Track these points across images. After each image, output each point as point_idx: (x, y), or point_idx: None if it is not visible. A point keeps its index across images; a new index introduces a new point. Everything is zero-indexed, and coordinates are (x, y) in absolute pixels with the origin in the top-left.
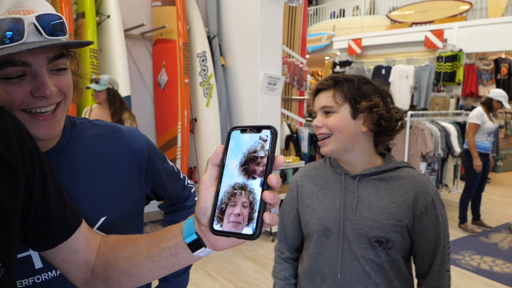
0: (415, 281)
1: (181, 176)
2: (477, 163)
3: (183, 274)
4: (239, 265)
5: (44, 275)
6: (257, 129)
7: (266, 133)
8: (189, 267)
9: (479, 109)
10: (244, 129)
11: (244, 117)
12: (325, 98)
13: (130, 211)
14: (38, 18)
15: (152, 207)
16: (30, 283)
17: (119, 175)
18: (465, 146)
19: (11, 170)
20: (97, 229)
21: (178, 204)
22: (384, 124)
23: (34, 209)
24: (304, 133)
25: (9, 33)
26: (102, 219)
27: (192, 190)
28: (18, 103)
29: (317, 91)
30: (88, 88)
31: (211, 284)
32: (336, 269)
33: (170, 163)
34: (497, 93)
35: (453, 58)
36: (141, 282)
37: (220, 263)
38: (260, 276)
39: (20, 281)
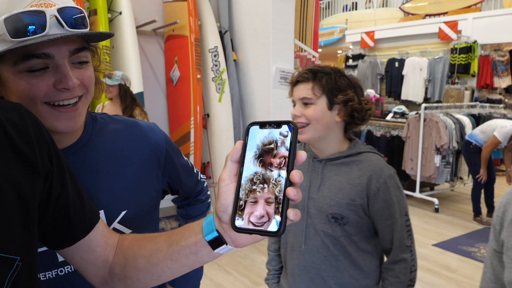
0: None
1: (195, 171)
2: (484, 173)
3: None
4: (254, 259)
5: (67, 268)
6: (277, 124)
7: (286, 129)
8: None
9: (511, 128)
10: (263, 124)
11: (256, 111)
12: (304, 90)
13: (149, 205)
14: (60, 11)
15: (166, 203)
16: (54, 276)
17: (138, 170)
18: (467, 137)
19: (31, 165)
20: (118, 223)
21: (192, 198)
22: (356, 115)
23: (53, 206)
24: None
25: (31, 26)
26: (123, 213)
27: (205, 185)
28: (41, 96)
29: (296, 82)
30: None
31: (225, 278)
32: (301, 240)
33: (185, 157)
34: None
35: (468, 49)
36: (160, 281)
37: (234, 257)
38: None
39: (44, 273)
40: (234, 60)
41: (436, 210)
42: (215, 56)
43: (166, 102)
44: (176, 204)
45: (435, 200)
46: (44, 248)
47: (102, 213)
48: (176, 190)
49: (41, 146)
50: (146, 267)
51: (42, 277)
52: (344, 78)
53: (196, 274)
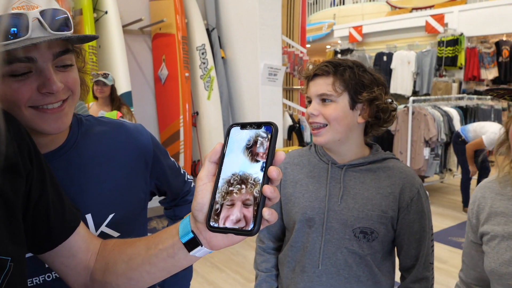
0: (397, 274)
1: (182, 171)
2: (474, 169)
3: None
4: (246, 256)
5: (54, 273)
6: (258, 125)
7: (266, 130)
8: None
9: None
10: (244, 126)
11: (245, 108)
12: (324, 86)
13: (137, 207)
14: (42, 13)
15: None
16: (41, 281)
17: (126, 172)
18: (460, 130)
19: (12, 165)
20: (106, 226)
21: (179, 199)
22: (382, 116)
23: (33, 207)
24: (306, 122)
25: (13, 29)
26: (111, 216)
27: (192, 185)
28: (25, 101)
29: (313, 76)
30: (97, 81)
31: (218, 275)
32: (318, 259)
33: (171, 158)
34: None
35: (454, 42)
36: (139, 286)
37: (227, 254)
38: None
39: (31, 279)
40: (222, 58)
41: None
42: (203, 53)
43: (154, 101)
44: (163, 205)
45: None
46: (31, 254)
47: (89, 216)
48: (164, 191)
49: (22, 148)
50: (125, 272)
51: (29, 283)
52: (367, 73)
53: (186, 275)
